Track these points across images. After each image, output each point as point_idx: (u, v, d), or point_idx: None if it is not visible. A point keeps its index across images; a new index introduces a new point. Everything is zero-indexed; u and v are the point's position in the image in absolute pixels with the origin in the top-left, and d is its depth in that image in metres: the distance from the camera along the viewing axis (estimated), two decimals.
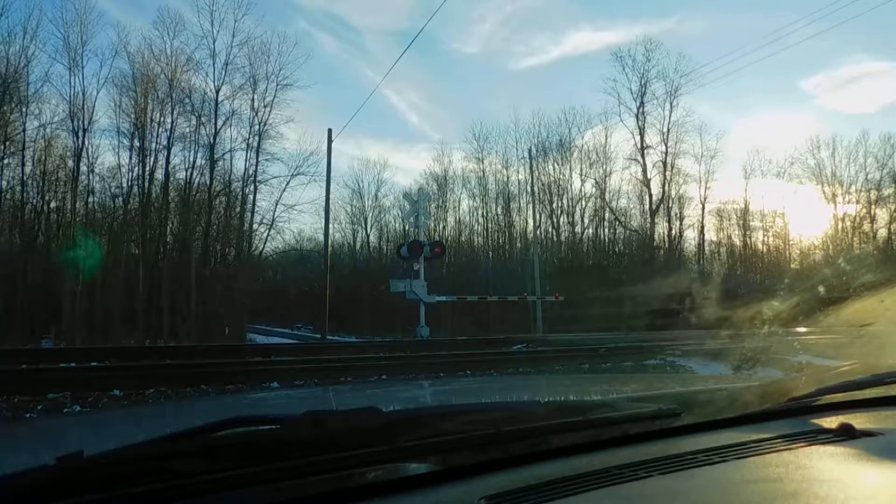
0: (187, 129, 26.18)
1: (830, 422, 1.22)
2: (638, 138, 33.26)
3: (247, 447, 0.86)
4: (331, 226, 26.60)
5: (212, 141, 26.28)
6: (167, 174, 25.96)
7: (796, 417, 1.34)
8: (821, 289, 17.73)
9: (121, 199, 25.57)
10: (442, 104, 50.88)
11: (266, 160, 27.65)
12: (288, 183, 27.83)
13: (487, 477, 0.95)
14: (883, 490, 0.95)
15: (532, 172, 31.11)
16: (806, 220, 41.19)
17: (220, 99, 26.93)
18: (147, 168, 25.52)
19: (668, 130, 33.11)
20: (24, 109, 24.12)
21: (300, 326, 32.89)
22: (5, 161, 23.26)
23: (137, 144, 25.55)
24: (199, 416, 1.75)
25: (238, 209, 27.71)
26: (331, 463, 0.86)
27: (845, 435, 1.17)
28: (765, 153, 47.48)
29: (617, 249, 35.77)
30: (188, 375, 7.82)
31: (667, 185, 33.50)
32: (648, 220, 33.61)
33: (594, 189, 34.68)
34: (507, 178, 35.77)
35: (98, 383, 7.19)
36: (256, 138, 27.15)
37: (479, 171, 36.44)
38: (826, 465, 1.09)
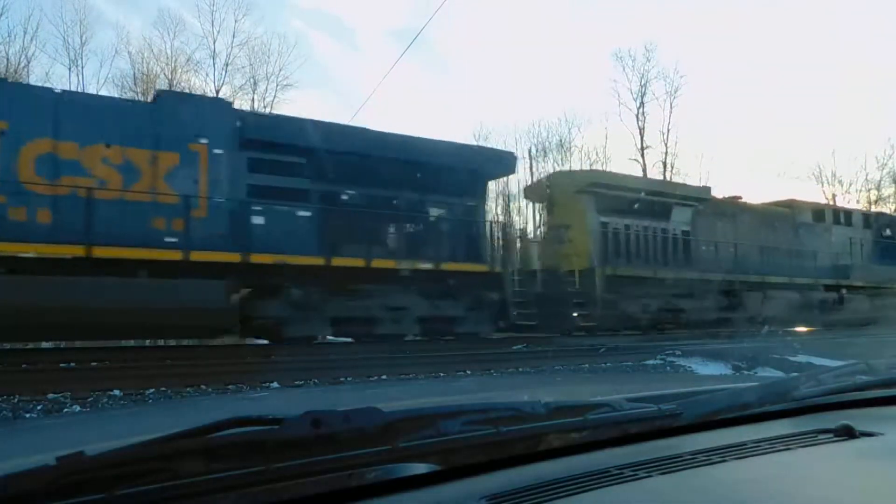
0: None
1: (830, 422, 1.22)
2: (638, 138, 33.27)
3: (247, 447, 0.86)
4: None
5: None
6: None
7: (796, 417, 1.35)
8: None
9: None
10: (441, 104, 50.87)
11: None
12: None
13: (487, 477, 0.95)
14: (883, 490, 0.95)
15: (532, 172, 31.13)
16: None
17: None
18: None
19: (668, 130, 33.12)
20: None
21: None
22: None
23: None
24: (199, 416, 1.75)
25: None
26: (331, 463, 0.86)
27: (845, 435, 1.17)
28: (765, 153, 47.50)
29: None
30: (188, 375, 7.80)
31: None
32: None
33: None
34: (507, 178, 35.72)
35: (98, 383, 7.18)
36: None
37: None
38: (826, 465, 1.09)
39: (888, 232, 20.40)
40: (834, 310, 17.97)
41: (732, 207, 17.47)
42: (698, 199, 16.29)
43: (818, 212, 18.91)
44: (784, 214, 18.30)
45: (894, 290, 19.30)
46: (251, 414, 0.94)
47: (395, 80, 59.16)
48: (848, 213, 19.80)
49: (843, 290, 18.33)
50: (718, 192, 19.07)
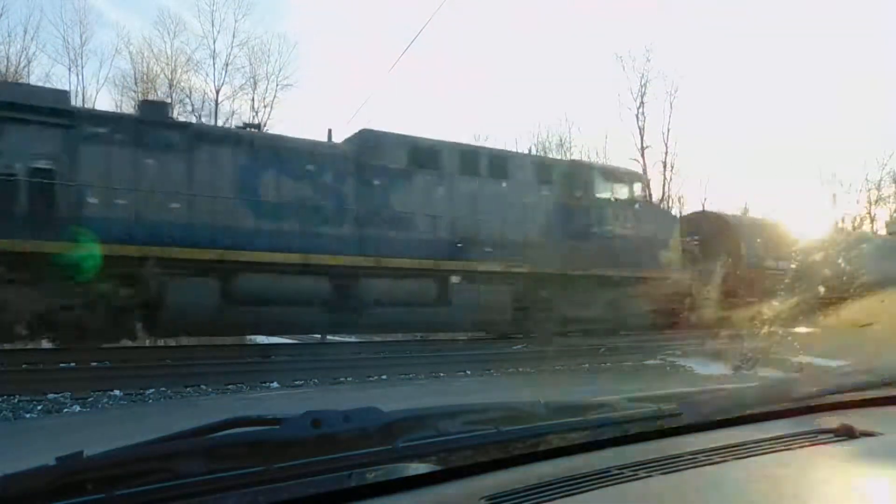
0: None
1: (830, 422, 1.22)
2: (638, 138, 33.21)
3: (247, 447, 0.86)
4: None
5: None
6: None
7: (796, 417, 1.35)
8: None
9: None
10: (441, 103, 50.88)
11: None
12: None
13: (487, 477, 0.95)
14: (883, 490, 0.95)
15: None
16: (805, 220, 41.21)
17: (220, 99, 26.98)
18: None
19: (669, 130, 33.04)
20: None
21: None
22: None
23: None
24: (199, 416, 1.76)
25: None
26: (331, 463, 0.86)
27: (845, 435, 1.17)
28: (766, 153, 47.55)
29: None
30: (188, 375, 7.81)
31: (667, 184, 33.47)
32: None
33: None
34: None
35: (98, 383, 7.18)
36: None
37: None
38: (826, 465, 1.09)
39: (581, 192, 12.99)
40: (429, 309, 10.96)
41: (179, 133, 9.79)
42: (64, 114, 9.03)
43: (421, 151, 11.43)
44: (323, 154, 10.82)
45: (576, 277, 12.29)
46: (251, 414, 0.94)
47: (395, 80, 59.18)
48: (500, 159, 12.52)
49: (455, 279, 11.20)
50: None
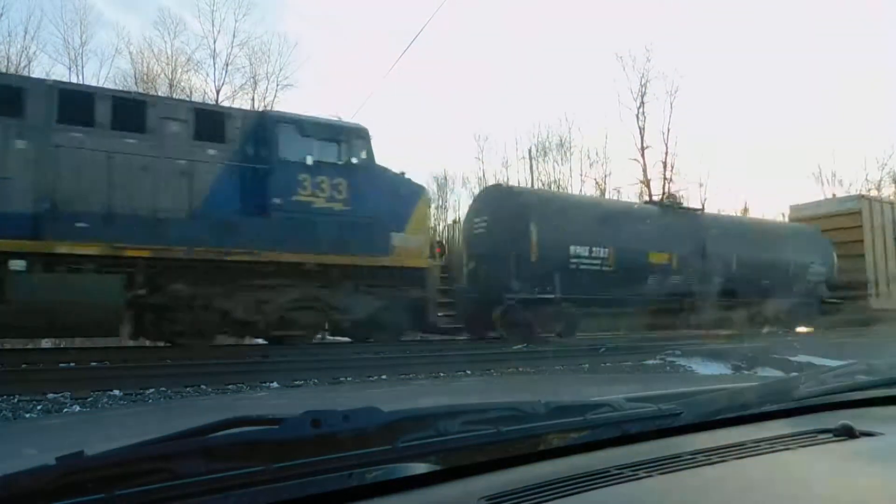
0: None
1: (830, 422, 1.22)
2: (638, 138, 33.18)
3: (247, 447, 0.86)
4: None
5: None
6: None
7: (796, 417, 1.34)
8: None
9: None
10: (441, 103, 50.85)
11: None
12: None
13: (487, 477, 0.95)
14: (883, 490, 0.95)
15: (532, 172, 31.05)
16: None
17: (220, 99, 27.02)
18: None
19: (669, 130, 33.00)
20: None
21: None
22: None
23: None
24: (199, 416, 1.76)
25: None
26: (331, 463, 0.86)
27: (845, 435, 1.17)
28: (766, 153, 47.55)
29: None
30: (188, 375, 7.80)
31: (667, 184, 33.45)
32: None
33: (594, 189, 34.67)
34: (507, 177, 35.72)
35: (98, 383, 7.18)
36: None
37: (478, 170, 36.37)
38: (826, 465, 1.09)
39: (266, 153, 9.84)
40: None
41: None
42: None
43: None
44: None
45: (242, 265, 9.33)
46: (251, 414, 0.94)
47: (395, 80, 59.15)
48: (134, 105, 9.32)
49: (17, 265, 7.97)
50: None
